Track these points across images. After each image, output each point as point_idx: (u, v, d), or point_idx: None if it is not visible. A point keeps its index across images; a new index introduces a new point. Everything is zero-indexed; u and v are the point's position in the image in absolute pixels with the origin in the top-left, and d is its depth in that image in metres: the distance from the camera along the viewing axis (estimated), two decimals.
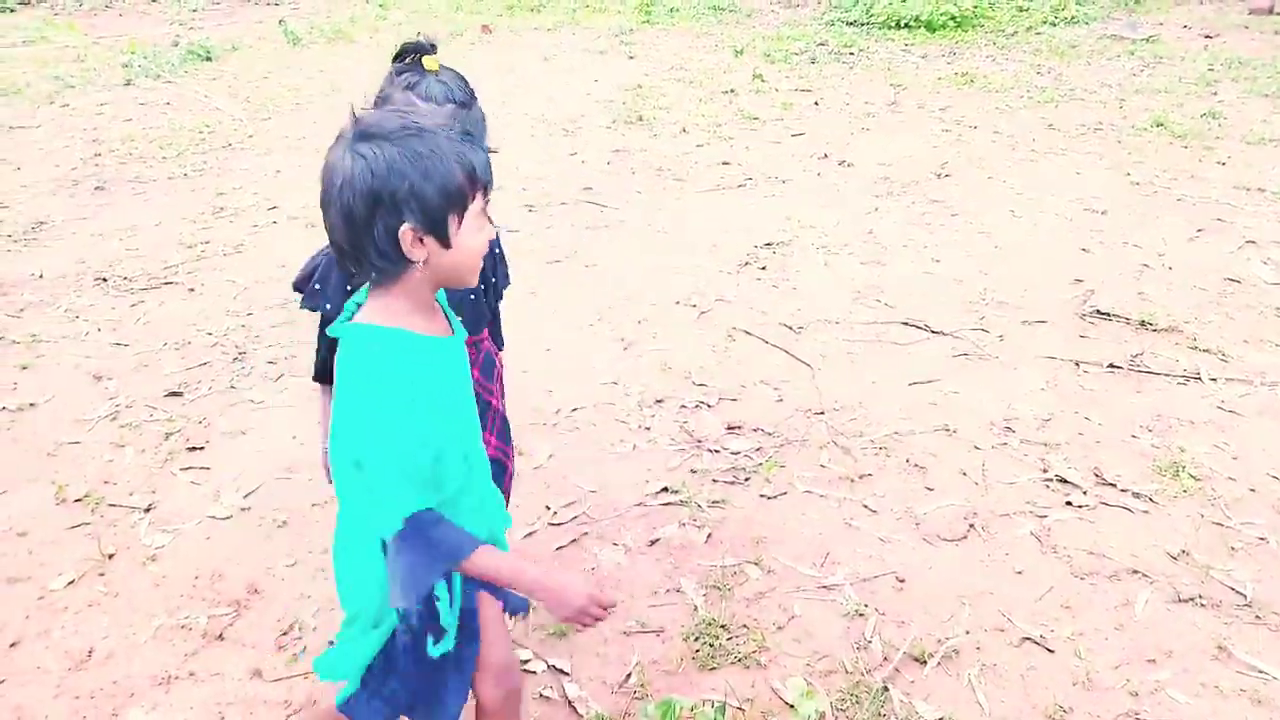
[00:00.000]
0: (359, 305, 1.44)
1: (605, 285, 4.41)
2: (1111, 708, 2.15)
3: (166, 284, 4.44)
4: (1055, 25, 10.53)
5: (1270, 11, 10.77)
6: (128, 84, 8.26)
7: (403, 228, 1.30)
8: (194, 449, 3.19)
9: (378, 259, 1.33)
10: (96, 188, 5.72)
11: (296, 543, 2.72)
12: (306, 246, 4.78)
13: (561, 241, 4.93)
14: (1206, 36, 9.92)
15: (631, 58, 9.54)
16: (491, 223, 1.47)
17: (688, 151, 6.44)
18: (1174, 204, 5.31)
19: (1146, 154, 6.18)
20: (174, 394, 3.52)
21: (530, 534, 2.74)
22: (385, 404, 1.33)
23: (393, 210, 1.30)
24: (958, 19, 10.37)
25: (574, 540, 2.72)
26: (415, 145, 1.30)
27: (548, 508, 2.86)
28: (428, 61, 1.82)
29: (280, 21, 10.37)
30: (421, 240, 1.33)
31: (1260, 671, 2.24)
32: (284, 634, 2.41)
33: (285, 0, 13.05)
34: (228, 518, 2.84)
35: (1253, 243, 4.78)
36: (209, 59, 9.19)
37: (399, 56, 1.85)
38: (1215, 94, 7.71)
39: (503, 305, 2.15)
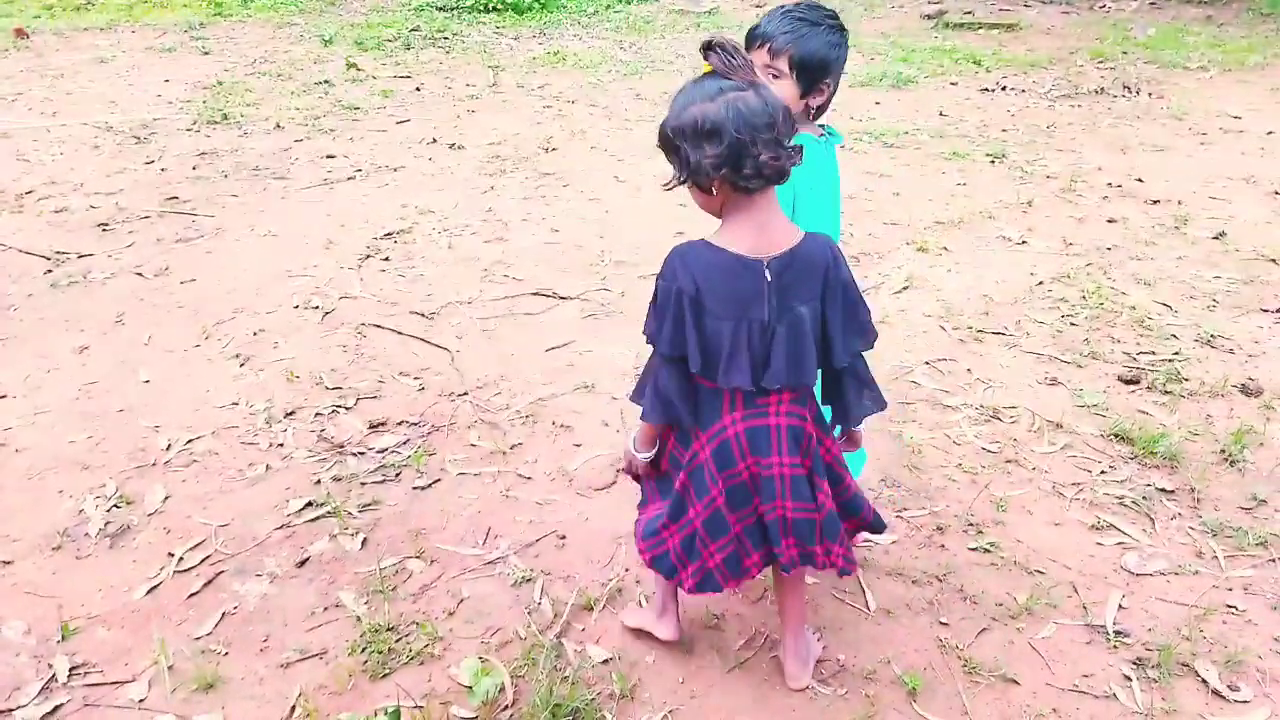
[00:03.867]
0: None
1: (209, 300, 4.01)
2: (754, 605, 2.38)
3: None
4: (629, 3, 11.31)
5: None
6: None
7: None
8: None
9: None
10: None
11: None
12: None
13: (148, 259, 4.39)
14: (757, 6, 11.21)
15: (207, 53, 8.73)
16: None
17: (286, 148, 6.04)
18: None
19: None
20: None
21: (154, 588, 2.42)
22: None
23: None
24: (543, 1, 10.74)
25: (208, 583, 2.44)
26: None
27: (171, 554, 2.54)
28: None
29: None
30: None
31: (865, 539, 2.60)
32: None
33: None
34: None
35: None
36: None
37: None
38: None
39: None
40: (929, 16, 10.43)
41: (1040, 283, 4.20)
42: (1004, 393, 3.34)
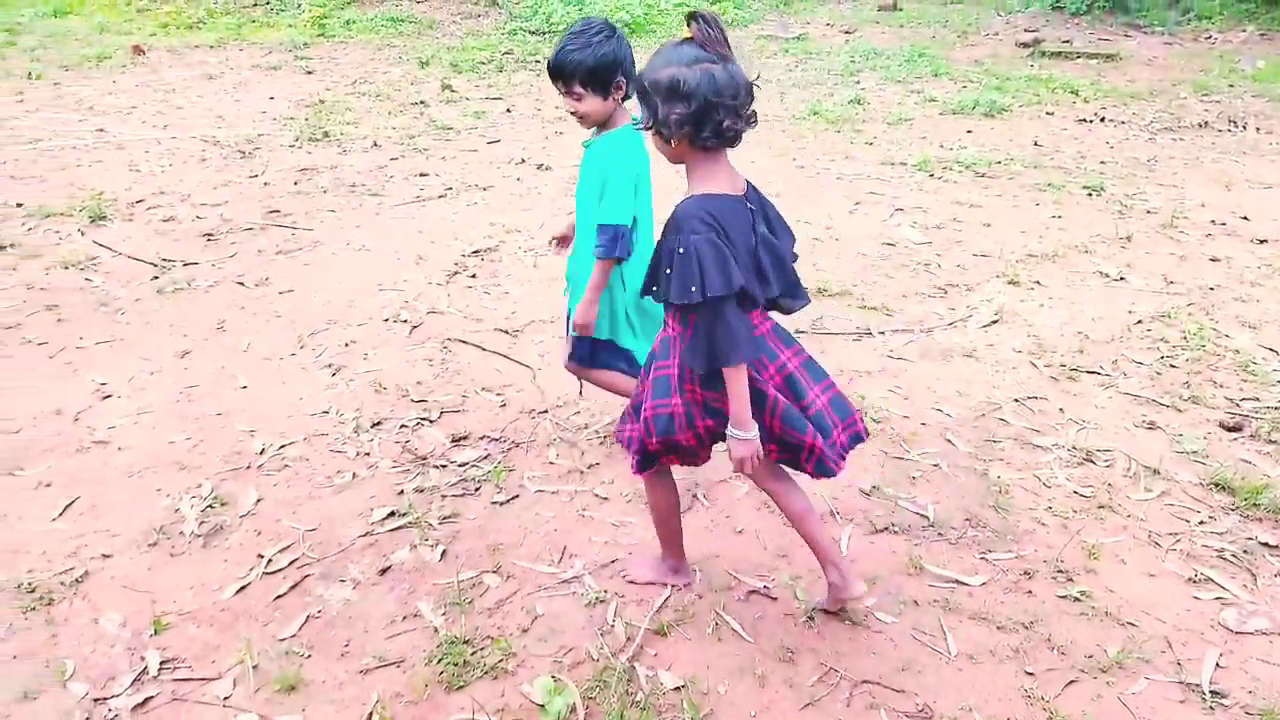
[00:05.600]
0: None
1: (305, 311, 4.15)
2: (829, 639, 2.33)
3: None
4: None
5: (895, 8, 12.31)
6: None
7: None
8: None
9: None
10: None
11: None
12: None
13: (249, 268, 4.58)
14: (846, 32, 11.15)
15: (310, 72, 9.09)
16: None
17: (382, 165, 6.24)
18: (834, 182, 5.91)
19: (807, 140, 6.83)
20: None
21: (243, 588, 2.51)
22: None
23: None
24: (631, 26, 10.89)
25: (294, 585, 2.52)
26: None
27: (260, 556, 2.62)
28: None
29: None
30: None
31: (947, 581, 2.54)
32: None
33: None
34: None
35: (901, 210, 5.43)
36: None
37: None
38: (858, 82, 8.69)
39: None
40: (1024, 45, 10.22)
41: (1139, 321, 4.05)
42: (1098, 435, 3.22)
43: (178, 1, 12.22)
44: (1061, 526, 2.76)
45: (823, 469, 2.09)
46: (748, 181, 2.05)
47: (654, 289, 2.05)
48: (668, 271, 1.93)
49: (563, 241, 2.97)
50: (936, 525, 2.76)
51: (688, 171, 2.00)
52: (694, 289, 1.87)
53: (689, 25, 1.92)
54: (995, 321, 4.04)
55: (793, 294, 2.15)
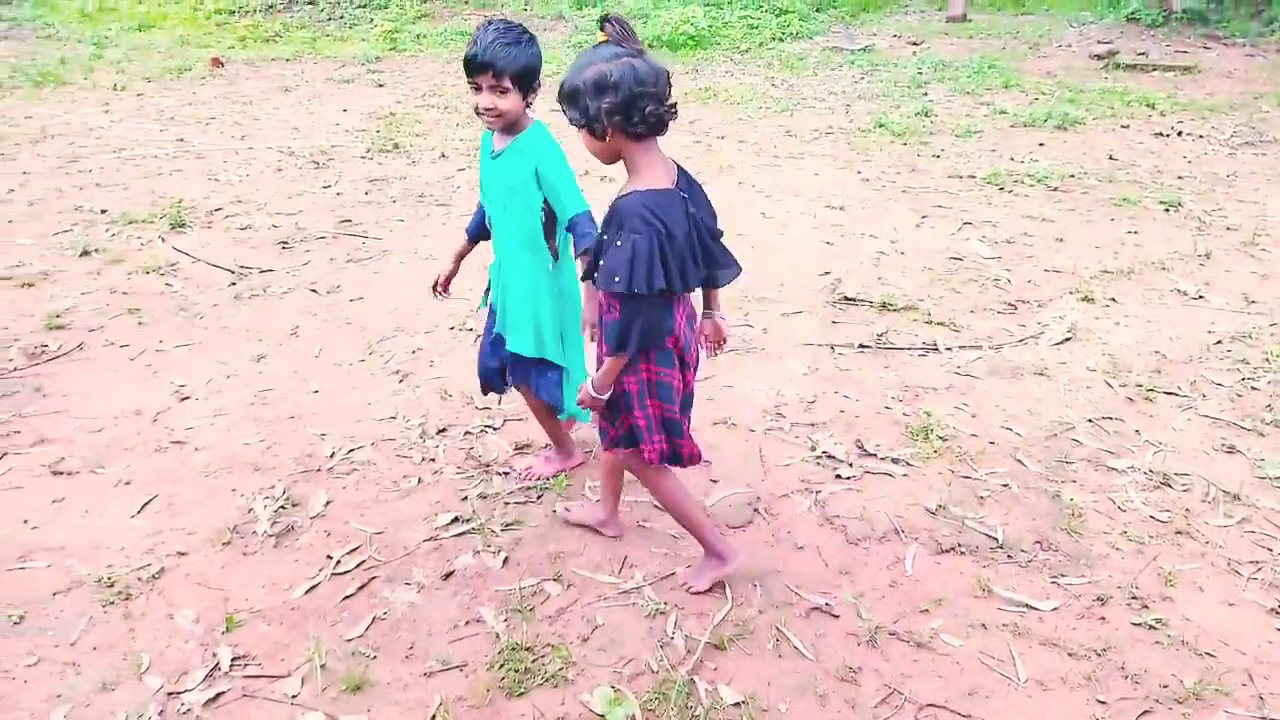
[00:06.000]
0: None
1: (374, 317, 4.24)
2: (893, 660, 2.30)
3: None
4: (783, 40, 11.34)
5: (963, 19, 12.13)
6: None
7: None
8: None
9: None
10: None
11: (38, 639, 2.39)
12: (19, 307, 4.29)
13: (322, 276, 4.69)
14: (913, 44, 11.02)
15: (381, 85, 9.30)
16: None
17: (449, 176, 6.35)
18: (900, 195, 5.84)
19: (873, 152, 6.76)
20: None
21: (312, 588, 2.56)
22: None
23: None
24: (696, 38, 10.92)
25: (362, 587, 2.57)
26: None
27: (329, 557, 2.68)
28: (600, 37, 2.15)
29: None
30: None
31: (1017, 604, 2.48)
32: None
33: None
34: None
35: (969, 224, 5.34)
36: None
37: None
38: (926, 94, 8.58)
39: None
40: (1099, 57, 9.98)
41: (1218, 341, 3.92)
42: (1176, 458, 3.12)
43: (255, 16, 12.62)
44: (1137, 552, 2.68)
45: (678, 459, 2.38)
46: (678, 166, 2.17)
47: (594, 277, 2.18)
48: (601, 262, 2.10)
49: (447, 283, 2.98)
50: (1006, 547, 2.70)
51: (626, 165, 2.12)
52: (618, 280, 2.03)
53: (602, 29, 2.09)
54: (1068, 339, 3.94)
55: (725, 265, 2.29)
